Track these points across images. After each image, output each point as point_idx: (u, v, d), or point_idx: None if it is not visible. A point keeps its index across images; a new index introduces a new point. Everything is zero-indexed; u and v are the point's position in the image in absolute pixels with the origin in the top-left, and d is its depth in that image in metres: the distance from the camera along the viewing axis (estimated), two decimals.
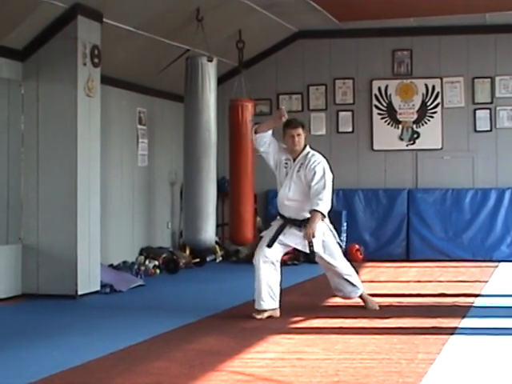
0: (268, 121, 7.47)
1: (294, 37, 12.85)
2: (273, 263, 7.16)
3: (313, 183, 7.05)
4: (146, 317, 7.42)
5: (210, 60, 9.77)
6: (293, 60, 12.97)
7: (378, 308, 7.52)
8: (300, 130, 7.18)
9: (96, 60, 8.82)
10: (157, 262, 10.90)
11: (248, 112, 10.81)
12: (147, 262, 10.78)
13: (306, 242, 7.09)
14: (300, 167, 7.17)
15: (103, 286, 8.96)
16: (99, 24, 8.86)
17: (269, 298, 7.14)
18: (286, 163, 7.24)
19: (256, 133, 7.24)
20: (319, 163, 7.14)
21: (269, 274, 7.15)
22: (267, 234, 7.27)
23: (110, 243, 10.22)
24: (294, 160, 7.22)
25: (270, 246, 7.12)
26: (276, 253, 7.19)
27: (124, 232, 10.86)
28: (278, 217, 7.30)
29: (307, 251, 7.19)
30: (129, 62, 10.35)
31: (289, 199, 7.18)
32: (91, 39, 8.75)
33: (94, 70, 8.83)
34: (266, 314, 7.10)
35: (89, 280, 8.74)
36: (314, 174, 7.08)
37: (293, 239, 7.19)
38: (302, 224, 7.09)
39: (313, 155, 7.21)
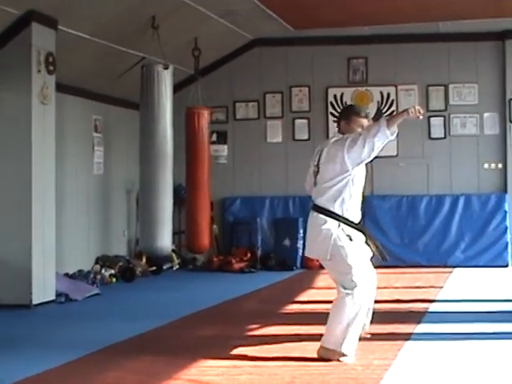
0: (399, 115, 6.22)
1: (251, 44, 12.88)
2: None
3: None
4: (102, 326, 7.37)
5: (166, 67, 9.77)
6: (249, 68, 12.99)
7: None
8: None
9: (51, 67, 8.74)
10: (113, 271, 10.83)
11: (204, 119, 10.83)
12: (103, 271, 10.71)
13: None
14: None
15: (58, 295, 8.87)
16: (54, 31, 8.78)
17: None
18: None
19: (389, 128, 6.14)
20: None
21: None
22: (364, 253, 6.04)
23: (65, 252, 10.13)
24: None
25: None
26: None
27: (80, 240, 10.77)
28: (352, 229, 5.98)
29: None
30: (84, 70, 10.29)
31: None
32: (46, 46, 8.67)
33: (49, 77, 8.75)
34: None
35: (44, 289, 8.65)
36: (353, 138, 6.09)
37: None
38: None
39: None
